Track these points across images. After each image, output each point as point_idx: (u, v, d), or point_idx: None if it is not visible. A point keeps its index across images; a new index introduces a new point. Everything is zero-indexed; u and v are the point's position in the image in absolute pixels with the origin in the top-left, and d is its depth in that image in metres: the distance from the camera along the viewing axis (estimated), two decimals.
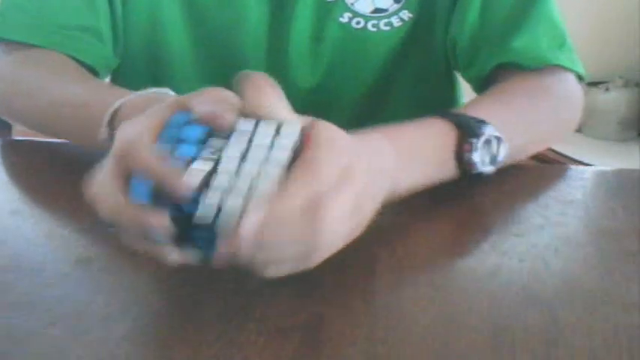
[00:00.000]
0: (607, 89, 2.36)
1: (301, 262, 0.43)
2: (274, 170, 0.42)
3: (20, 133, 0.83)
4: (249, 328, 0.43)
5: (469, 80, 0.80)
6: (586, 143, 2.34)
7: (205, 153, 0.43)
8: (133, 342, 0.43)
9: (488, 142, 0.60)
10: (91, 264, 0.51)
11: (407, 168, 0.55)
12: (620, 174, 0.68)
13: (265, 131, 0.44)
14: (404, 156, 0.55)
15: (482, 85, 0.76)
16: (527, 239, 0.55)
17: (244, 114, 0.45)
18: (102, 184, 0.44)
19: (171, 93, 0.59)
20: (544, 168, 0.75)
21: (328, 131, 0.44)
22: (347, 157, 0.44)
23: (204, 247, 0.43)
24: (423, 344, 0.43)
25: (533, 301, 0.47)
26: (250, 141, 0.43)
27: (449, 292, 0.49)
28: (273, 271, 0.43)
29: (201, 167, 0.43)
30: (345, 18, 0.76)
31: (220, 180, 0.42)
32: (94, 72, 0.75)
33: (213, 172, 0.43)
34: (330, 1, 0.76)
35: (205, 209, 0.41)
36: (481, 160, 0.60)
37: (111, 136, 0.56)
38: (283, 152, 0.43)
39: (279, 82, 0.67)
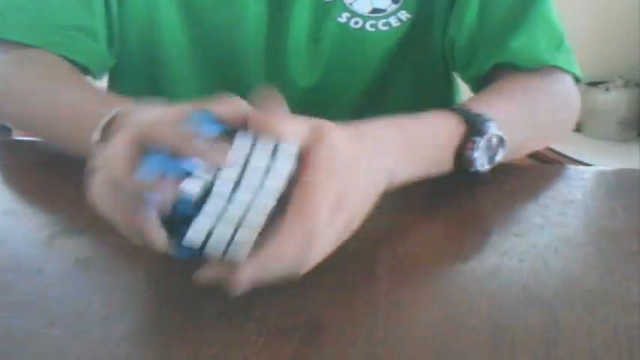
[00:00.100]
0: (607, 89, 2.36)
1: (288, 275, 0.44)
2: (267, 201, 0.43)
3: (20, 133, 0.83)
4: (249, 328, 0.43)
5: (467, 81, 0.80)
6: (586, 143, 2.34)
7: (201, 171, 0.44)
8: (132, 342, 0.43)
9: (489, 140, 0.60)
10: (90, 264, 0.51)
11: (407, 162, 0.55)
12: (620, 174, 0.68)
13: (263, 149, 0.44)
14: (406, 149, 0.55)
15: (480, 85, 0.76)
16: (527, 239, 0.55)
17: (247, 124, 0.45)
18: (110, 158, 0.44)
19: None
20: (544, 168, 0.75)
21: (327, 150, 0.44)
22: (344, 178, 0.44)
23: (190, 250, 0.44)
24: (423, 344, 0.43)
25: (533, 301, 0.47)
26: (246, 162, 0.44)
27: (449, 292, 0.49)
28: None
29: (198, 181, 0.43)
30: (343, 18, 0.76)
31: (212, 204, 0.43)
32: (88, 72, 0.75)
33: (209, 186, 0.43)
34: (328, 1, 0.76)
35: (195, 233, 0.42)
36: (480, 159, 0.60)
37: (103, 141, 0.56)
38: (278, 181, 0.43)
39: (277, 82, 0.68)
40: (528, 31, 0.73)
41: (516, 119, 0.65)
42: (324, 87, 0.80)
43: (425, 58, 0.81)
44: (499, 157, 0.62)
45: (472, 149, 0.59)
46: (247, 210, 0.43)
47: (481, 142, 0.59)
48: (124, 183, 0.43)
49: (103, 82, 0.85)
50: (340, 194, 0.44)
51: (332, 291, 0.47)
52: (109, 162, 0.44)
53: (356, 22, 0.76)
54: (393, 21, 0.77)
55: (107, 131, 0.56)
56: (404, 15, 0.77)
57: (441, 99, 0.86)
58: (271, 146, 0.44)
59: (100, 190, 0.45)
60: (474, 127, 0.59)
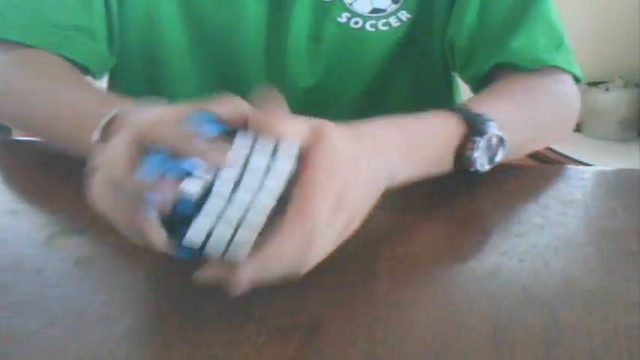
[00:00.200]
0: (607, 89, 2.36)
1: (288, 275, 0.44)
2: (267, 201, 0.43)
3: (20, 133, 0.83)
4: (249, 328, 0.43)
5: (467, 81, 0.80)
6: (586, 143, 2.34)
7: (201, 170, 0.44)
8: (132, 342, 0.43)
9: (489, 140, 0.60)
10: (91, 264, 0.51)
11: (407, 162, 0.55)
12: (620, 174, 0.68)
13: (262, 149, 0.44)
14: (407, 149, 0.55)
15: (480, 85, 0.76)
16: (527, 239, 0.55)
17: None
18: (110, 158, 0.44)
19: None
20: (544, 168, 0.75)
21: (327, 150, 0.44)
22: (344, 177, 0.44)
23: (190, 250, 0.44)
24: (423, 344, 0.43)
25: (533, 301, 0.47)
26: (246, 162, 0.44)
27: (449, 292, 0.49)
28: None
29: (198, 181, 0.43)
30: (343, 18, 0.76)
31: (212, 204, 0.43)
32: (88, 72, 0.74)
33: (209, 186, 0.43)
34: (328, 1, 0.76)
35: (195, 233, 0.43)
36: (480, 159, 0.60)
37: (103, 140, 0.55)
38: (278, 181, 0.43)
39: (277, 82, 0.68)
40: (528, 31, 0.74)
41: (516, 119, 0.65)
42: (324, 87, 0.80)
43: (425, 58, 0.81)
44: (499, 157, 0.62)
45: (472, 149, 0.59)
46: (247, 210, 0.43)
47: (481, 142, 0.59)
48: (124, 183, 0.43)
49: (102, 82, 0.85)
50: (340, 194, 0.44)
51: (332, 291, 0.47)
52: (109, 162, 0.44)
53: (356, 22, 0.76)
54: (393, 21, 0.77)
55: (107, 131, 0.56)
56: (404, 15, 0.77)
57: (440, 99, 0.86)
58: (271, 146, 0.44)
59: (99, 190, 0.45)
60: (474, 127, 0.59)
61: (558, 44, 0.75)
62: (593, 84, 2.38)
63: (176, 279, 0.48)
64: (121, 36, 0.77)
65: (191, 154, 0.43)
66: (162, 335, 0.43)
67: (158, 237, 0.42)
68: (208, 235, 0.43)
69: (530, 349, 0.42)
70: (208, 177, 0.43)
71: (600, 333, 0.44)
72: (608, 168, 0.70)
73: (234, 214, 0.43)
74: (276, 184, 0.43)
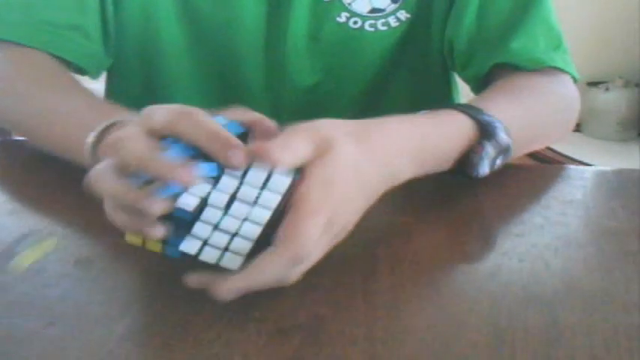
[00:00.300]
0: (607, 89, 2.36)
1: (274, 285, 0.46)
2: (263, 212, 0.44)
3: (20, 133, 0.83)
4: (249, 328, 0.43)
5: (466, 80, 0.80)
6: (586, 143, 2.34)
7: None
8: (132, 342, 0.43)
9: (496, 149, 0.60)
10: (91, 264, 0.51)
11: (417, 163, 0.55)
12: (620, 174, 0.68)
13: (260, 168, 0.45)
14: (419, 151, 0.55)
15: (480, 84, 0.76)
16: (528, 239, 0.55)
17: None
18: (127, 139, 0.45)
19: None
20: (544, 168, 0.75)
21: (328, 164, 0.46)
22: (340, 193, 0.46)
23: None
24: (423, 344, 0.43)
25: (533, 301, 0.47)
26: (245, 173, 0.45)
27: (449, 292, 0.49)
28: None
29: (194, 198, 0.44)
30: (342, 18, 0.76)
31: (210, 214, 0.44)
32: (83, 71, 0.74)
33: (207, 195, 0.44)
34: (327, 1, 0.76)
35: (191, 242, 0.44)
36: (483, 166, 0.60)
37: (99, 142, 0.55)
38: (275, 193, 0.44)
39: (276, 81, 0.68)
40: (528, 33, 0.74)
41: (520, 119, 0.65)
42: (323, 86, 0.80)
43: (424, 58, 0.81)
44: (499, 163, 0.62)
45: (479, 156, 0.59)
46: (243, 220, 0.44)
47: (490, 151, 0.59)
48: (148, 162, 0.43)
49: (102, 82, 0.85)
50: (334, 211, 0.45)
51: (332, 291, 0.47)
52: (126, 143, 0.44)
53: (355, 22, 0.76)
54: (392, 21, 0.77)
55: (102, 136, 0.56)
56: (403, 15, 0.77)
57: (439, 98, 0.86)
58: (264, 174, 0.45)
59: (103, 171, 0.45)
60: (485, 134, 0.59)
61: (557, 45, 0.75)
62: (593, 84, 2.38)
63: (176, 279, 0.48)
64: (118, 35, 0.77)
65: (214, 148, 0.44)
66: (163, 335, 0.43)
67: (159, 228, 0.43)
68: (204, 242, 0.43)
69: (530, 349, 0.42)
70: (208, 187, 0.44)
71: (600, 333, 0.44)
72: (608, 168, 0.70)
73: (230, 223, 0.44)
74: (273, 197, 0.44)
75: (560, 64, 0.73)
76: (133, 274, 0.50)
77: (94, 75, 0.77)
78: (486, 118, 0.60)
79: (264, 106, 0.78)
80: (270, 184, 0.44)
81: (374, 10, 0.76)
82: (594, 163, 1.97)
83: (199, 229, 0.44)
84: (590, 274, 0.51)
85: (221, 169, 0.44)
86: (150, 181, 0.44)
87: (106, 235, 0.52)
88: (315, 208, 0.44)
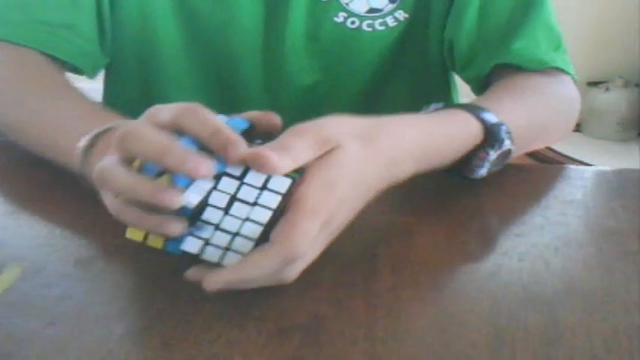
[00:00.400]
0: (607, 89, 2.36)
1: (269, 284, 0.46)
2: (264, 212, 0.44)
3: None
4: (249, 327, 0.43)
5: (467, 80, 0.80)
6: (586, 143, 2.35)
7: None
8: (133, 342, 0.43)
9: (499, 154, 0.60)
10: (91, 264, 0.51)
11: (422, 163, 0.55)
12: (620, 174, 0.68)
13: (254, 181, 0.45)
14: (424, 151, 0.55)
15: (481, 85, 0.76)
16: (528, 239, 0.55)
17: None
18: (138, 130, 0.45)
19: None
20: (544, 168, 0.75)
21: (330, 165, 0.46)
22: (340, 194, 0.45)
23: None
24: (423, 344, 0.43)
25: (533, 301, 0.47)
26: (244, 173, 0.45)
27: (449, 292, 0.49)
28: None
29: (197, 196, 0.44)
30: (339, 18, 0.76)
31: (211, 214, 0.44)
32: (78, 71, 0.74)
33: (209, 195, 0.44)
34: (324, 1, 0.76)
35: (192, 243, 0.44)
36: (483, 169, 0.60)
37: (91, 147, 0.55)
38: (276, 194, 0.44)
39: (274, 81, 0.68)
40: (529, 33, 0.74)
41: (524, 120, 0.65)
42: (321, 86, 0.80)
43: (422, 58, 0.81)
44: (498, 166, 0.62)
45: (482, 160, 0.59)
46: (244, 220, 0.44)
47: (493, 156, 0.59)
48: (166, 151, 0.43)
49: (100, 82, 0.85)
50: (332, 212, 0.45)
51: (332, 290, 0.47)
52: (140, 136, 0.44)
53: (352, 22, 0.76)
54: (389, 21, 0.77)
55: (95, 141, 0.56)
56: (401, 14, 0.77)
57: (438, 98, 0.85)
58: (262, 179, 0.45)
59: (111, 166, 0.45)
60: (490, 139, 0.59)
61: (557, 46, 0.75)
62: (593, 84, 2.38)
63: (176, 279, 0.48)
64: (115, 34, 0.77)
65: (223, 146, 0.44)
66: (162, 335, 0.43)
67: (177, 224, 0.43)
68: (206, 242, 0.44)
69: (530, 349, 0.42)
70: (210, 185, 0.44)
71: (600, 333, 0.44)
72: (608, 168, 0.70)
73: (231, 223, 0.44)
74: (274, 197, 0.44)
75: (561, 65, 0.73)
76: (133, 274, 0.50)
77: (91, 74, 0.76)
78: (492, 121, 0.59)
79: (263, 106, 0.77)
80: (270, 184, 0.44)
81: (371, 10, 0.76)
82: (594, 163, 1.97)
83: (201, 228, 0.44)
84: (590, 274, 0.51)
85: (226, 167, 0.44)
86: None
87: (106, 235, 0.52)
88: (314, 209, 0.44)
